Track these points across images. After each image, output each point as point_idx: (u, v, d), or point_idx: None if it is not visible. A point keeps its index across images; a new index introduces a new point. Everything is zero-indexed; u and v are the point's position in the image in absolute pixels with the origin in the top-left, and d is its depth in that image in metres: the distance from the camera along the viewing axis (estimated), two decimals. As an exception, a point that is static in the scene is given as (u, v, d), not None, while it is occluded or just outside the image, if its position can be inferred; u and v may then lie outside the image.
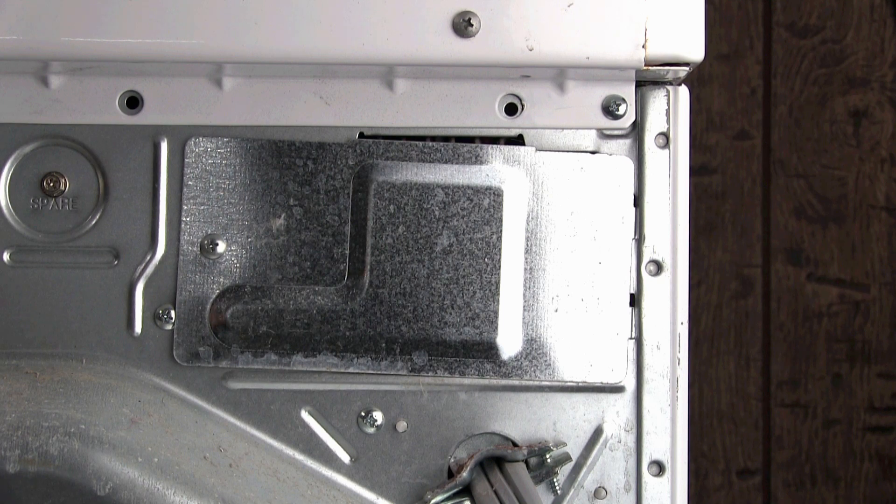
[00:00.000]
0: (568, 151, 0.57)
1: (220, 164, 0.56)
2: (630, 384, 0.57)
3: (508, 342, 0.56)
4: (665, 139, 0.57)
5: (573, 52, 0.53)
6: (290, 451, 0.57)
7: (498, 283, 0.56)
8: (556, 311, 0.56)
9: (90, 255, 0.57)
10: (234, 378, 0.57)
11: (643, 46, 0.54)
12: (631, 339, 0.57)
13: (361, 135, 0.57)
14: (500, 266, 0.56)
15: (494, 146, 0.56)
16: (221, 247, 0.56)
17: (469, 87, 0.56)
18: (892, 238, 1.29)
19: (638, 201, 0.57)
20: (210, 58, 0.54)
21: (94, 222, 0.57)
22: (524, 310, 0.56)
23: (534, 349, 0.56)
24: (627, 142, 0.57)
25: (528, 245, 0.56)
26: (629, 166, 0.57)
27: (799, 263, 1.30)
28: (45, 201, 0.57)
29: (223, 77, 0.56)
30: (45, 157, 0.57)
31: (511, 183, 0.56)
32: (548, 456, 0.56)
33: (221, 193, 0.56)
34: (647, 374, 0.57)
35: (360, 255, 0.56)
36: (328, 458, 0.57)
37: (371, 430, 0.57)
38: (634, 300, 0.57)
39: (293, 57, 0.54)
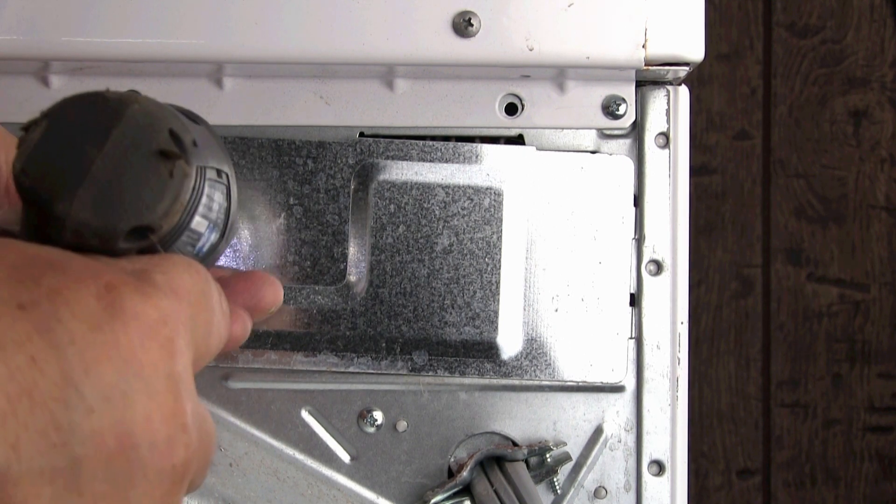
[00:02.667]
0: (568, 151, 0.57)
1: (221, 164, 0.56)
2: (630, 384, 0.57)
3: (508, 342, 0.56)
4: (665, 139, 0.57)
5: (573, 52, 0.54)
6: (290, 451, 0.57)
7: (498, 283, 0.56)
8: (556, 310, 0.56)
9: (90, 255, 0.57)
10: (234, 377, 0.57)
11: (643, 46, 0.54)
12: (631, 338, 0.57)
13: (361, 134, 0.57)
14: (500, 266, 0.56)
15: (495, 146, 0.56)
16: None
17: (469, 86, 0.56)
18: (892, 238, 1.29)
19: (638, 201, 0.57)
20: (210, 58, 0.54)
21: (94, 222, 0.57)
22: (524, 309, 0.56)
23: (534, 349, 0.56)
24: (627, 142, 0.57)
25: (528, 245, 0.56)
26: (629, 166, 0.57)
27: (799, 263, 1.30)
28: (46, 201, 0.57)
29: (223, 77, 0.56)
30: (46, 157, 0.57)
31: (511, 183, 0.56)
32: (548, 455, 0.56)
33: (221, 193, 0.56)
34: (647, 373, 0.57)
35: (360, 255, 0.56)
36: (328, 458, 0.57)
37: (371, 430, 0.57)
38: (634, 300, 0.57)
39: (293, 57, 0.54)
